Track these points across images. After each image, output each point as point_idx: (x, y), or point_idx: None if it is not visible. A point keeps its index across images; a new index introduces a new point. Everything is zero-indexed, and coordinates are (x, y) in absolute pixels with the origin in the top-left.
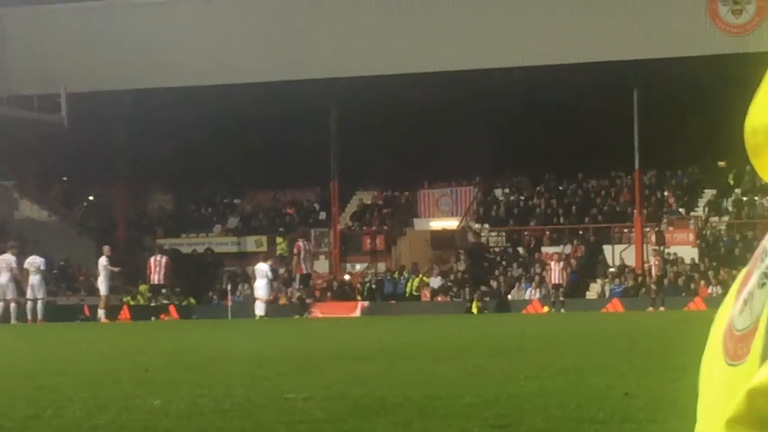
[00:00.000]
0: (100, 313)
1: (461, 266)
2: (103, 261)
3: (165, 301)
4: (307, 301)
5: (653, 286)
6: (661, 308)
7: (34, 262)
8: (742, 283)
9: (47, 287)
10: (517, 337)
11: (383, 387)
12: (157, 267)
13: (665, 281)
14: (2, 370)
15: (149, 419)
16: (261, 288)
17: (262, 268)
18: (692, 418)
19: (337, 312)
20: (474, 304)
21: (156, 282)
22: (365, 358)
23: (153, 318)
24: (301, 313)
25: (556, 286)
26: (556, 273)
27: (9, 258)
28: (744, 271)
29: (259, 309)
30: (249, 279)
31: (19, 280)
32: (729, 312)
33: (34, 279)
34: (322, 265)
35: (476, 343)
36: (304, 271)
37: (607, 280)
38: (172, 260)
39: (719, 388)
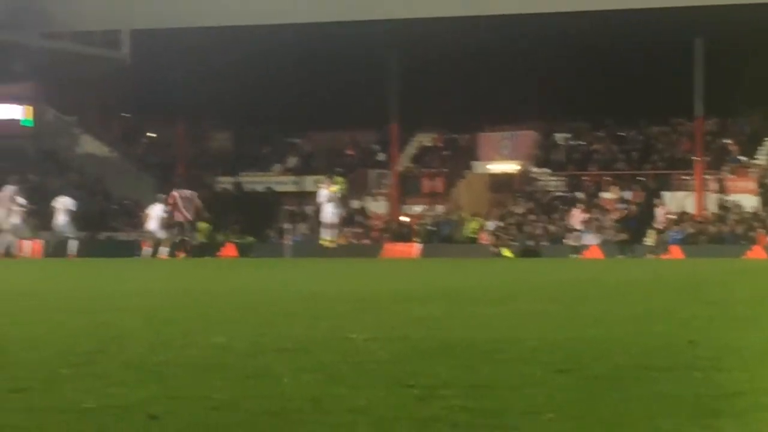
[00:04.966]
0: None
1: (519, 210)
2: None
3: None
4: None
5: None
6: None
7: (65, 202)
8: None
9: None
10: (578, 283)
11: (445, 329)
12: (187, 204)
13: (726, 229)
14: (61, 307)
15: (212, 356)
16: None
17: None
18: (757, 366)
19: (395, 253)
20: (506, 249)
21: (182, 219)
22: (425, 300)
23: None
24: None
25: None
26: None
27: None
28: None
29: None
30: (308, 218)
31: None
32: None
33: (61, 219)
34: (380, 206)
35: (537, 288)
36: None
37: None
38: (230, 198)
39: None
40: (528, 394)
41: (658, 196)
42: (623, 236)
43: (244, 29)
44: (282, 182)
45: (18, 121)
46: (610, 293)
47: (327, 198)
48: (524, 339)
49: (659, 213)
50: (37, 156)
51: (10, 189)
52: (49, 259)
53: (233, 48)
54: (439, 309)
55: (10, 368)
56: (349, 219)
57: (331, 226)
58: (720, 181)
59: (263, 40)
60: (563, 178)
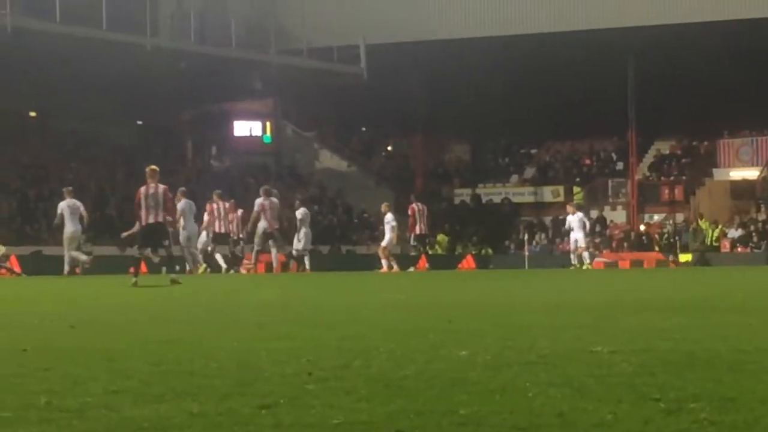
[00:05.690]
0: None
1: (762, 216)
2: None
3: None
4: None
5: None
6: None
7: (299, 213)
8: None
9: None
10: None
11: (689, 340)
12: (421, 216)
13: None
14: (306, 321)
15: (457, 370)
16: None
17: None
18: None
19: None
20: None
21: (419, 232)
22: (667, 309)
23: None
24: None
25: None
26: None
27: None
28: None
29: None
30: (546, 229)
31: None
32: None
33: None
34: (619, 216)
35: None
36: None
37: None
38: (468, 210)
39: None
40: None
41: None
42: None
43: (480, 41)
44: (520, 193)
45: (260, 137)
46: None
47: (574, 224)
48: None
49: None
50: (279, 171)
51: (273, 201)
52: (286, 273)
53: (470, 60)
54: (682, 319)
55: (258, 384)
56: (589, 229)
57: (582, 250)
58: None
59: (499, 51)
60: None
